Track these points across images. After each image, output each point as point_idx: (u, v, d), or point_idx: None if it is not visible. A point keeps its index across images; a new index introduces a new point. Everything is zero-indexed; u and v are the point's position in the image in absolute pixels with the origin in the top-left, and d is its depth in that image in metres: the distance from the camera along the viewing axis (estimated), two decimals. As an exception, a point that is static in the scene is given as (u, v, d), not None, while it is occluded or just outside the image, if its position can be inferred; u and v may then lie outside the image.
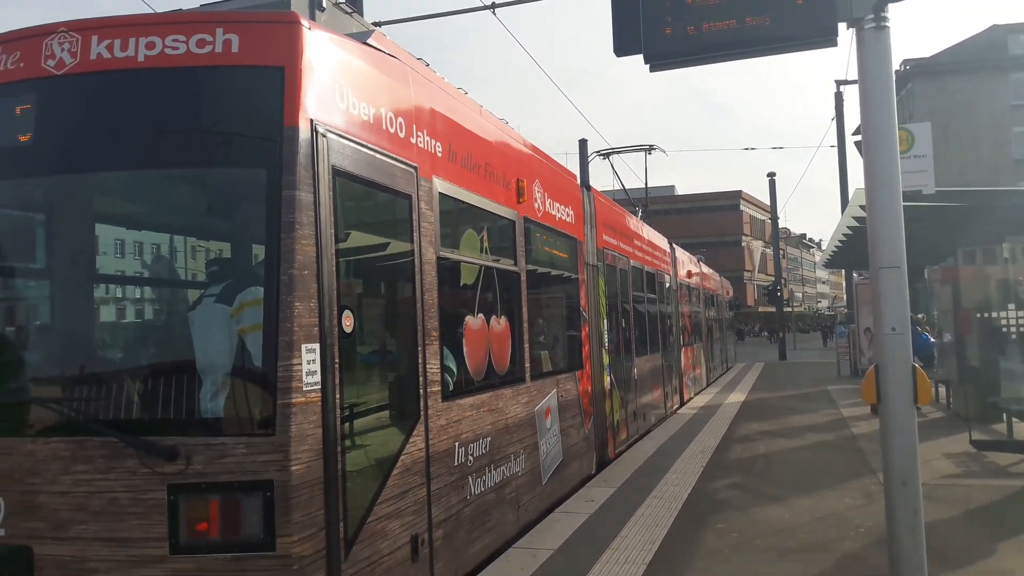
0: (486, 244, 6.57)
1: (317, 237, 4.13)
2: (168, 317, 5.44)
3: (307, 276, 4.04)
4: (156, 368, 4.49)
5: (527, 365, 7.11)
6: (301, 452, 3.88)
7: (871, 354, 19.79)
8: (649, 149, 17.90)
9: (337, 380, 4.16)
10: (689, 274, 19.31)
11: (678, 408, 16.20)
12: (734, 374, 26.71)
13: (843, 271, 32.07)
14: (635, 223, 13.38)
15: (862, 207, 13.09)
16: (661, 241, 15.68)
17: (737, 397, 18.39)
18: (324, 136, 4.25)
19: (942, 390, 14.94)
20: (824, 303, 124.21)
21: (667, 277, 15.91)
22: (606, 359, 10.08)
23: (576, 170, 17.44)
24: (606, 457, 9.92)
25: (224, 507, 3.83)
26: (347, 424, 4.29)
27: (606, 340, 10.15)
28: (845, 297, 33.22)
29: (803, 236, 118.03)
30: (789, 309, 61.46)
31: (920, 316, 15.33)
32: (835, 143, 27.43)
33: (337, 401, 4.15)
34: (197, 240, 5.35)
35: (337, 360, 4.18)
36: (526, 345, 7.09)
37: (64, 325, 5.05)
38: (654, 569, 5.69)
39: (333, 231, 4.28)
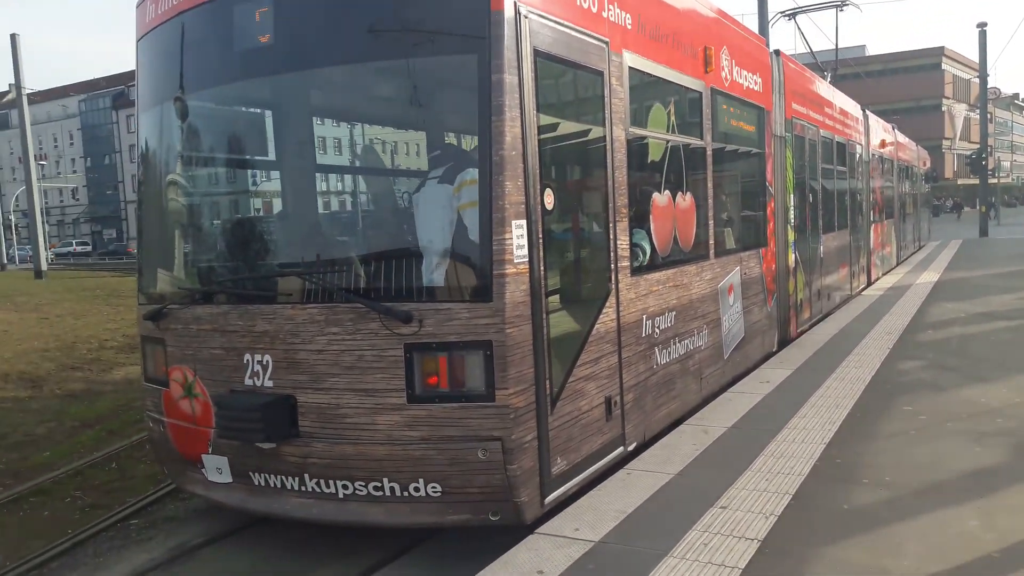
0: (673, 119, 6.49)
1: (522, 118, 4.39)
2: (399, 200, 5.92)
3: (515, 156, 4.35)
4: (391, 244, 5.07)
5: (711, 242, 7.19)
6: (514, 317, 4.36)
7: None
8: (841, 5, 16.16)
9: (541, 254, 4.55)
10: (882, 144, 17.76)
11: (865, 288, 15.40)
12: (927, 252, 24.81)
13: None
14: (826, 89, 12.44)
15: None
16: (853, 108, 14.47)
17: (930, 276, 17.12)
18: (526, 17, 4.43)
19: None
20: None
21: (858, 148, 14.81)
22: (791, 236, 9.83)
23: (754, 28, 16.24)
24: (788, 336, 9.81)
25: (451, 363, 4.39)
26: (550, 294, 4.70)
27: (792, 216, 9.86)
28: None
29: (1015, 96, 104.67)
30: (995, 180, 55.49)
31: None
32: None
33: (542, 273, 4.56)
34: (416, 127, 5.70)
35: (540, 236, 4.55)
36: (710, 222, 7.16)
37: (317, 210, 5.94)
38: (833, 449, 5.55)
39: (535, 112, 4.50)
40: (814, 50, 16.24)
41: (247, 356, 4.78)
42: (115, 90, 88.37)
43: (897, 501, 4.61)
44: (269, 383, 4.72)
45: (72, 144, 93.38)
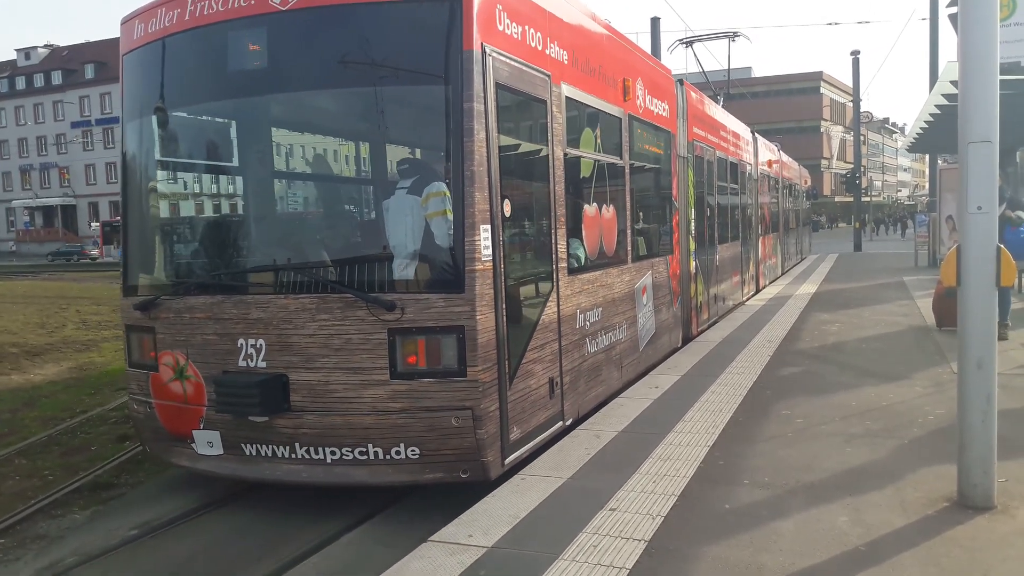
0: (598, 141, 7.44)
1: (487, 139, 5.19)
2: (380, 205, 6.46)
3: (482, 171, 5.15)
4: (376, 243, 5.82)
5: (629, 248, 8.15)
6: (482, 306, 5.13)
7: (952, 243, 18.99)
8: (733, 36, 17.36)
9: (501, 254, 5.35)
10: (769, 163, 19.14)
11: (754, 294, 16.57)
12: (807, 264, 26.18)
13: (927, 156, 30.60)
14: (721, 114, 13.57)
15: (953, 83, 12.34)
16: (744, 131, 15.68)
17: (809, 288, 18.10)
18: (490, 56, 5.24)
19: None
20: (904, 192, 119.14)
21: (748, 167, 16.04)
22: (692, 245, 10.90)
23: (647, 49, 16.87)
24: (690, 334, 10.84)
25: (429, 345, 5.13)
26: (507, 288, 5.47)
27: (693, 228, 10.91)
28: (927, 184, 31.78)
29: (886, 120, 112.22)
30: (868, 198, 59.18)
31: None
32: (927, 15, 25.53)
33: (502, 270, 5.36)
34: (394, 144, 6.51)
35: (501, 238, 5.35)
36: (628, 231, 8.12)
37: (313, 213, 6.93)
38: (716, 451, 5.78)
39: (496, 134, 5.31)
40: (702, 71, 17.00)
41: (241, 340, 5.38)
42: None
43: (774, 500, 4.84)
44: (262, 364, 5.33)
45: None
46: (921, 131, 18.95)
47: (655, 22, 25.66)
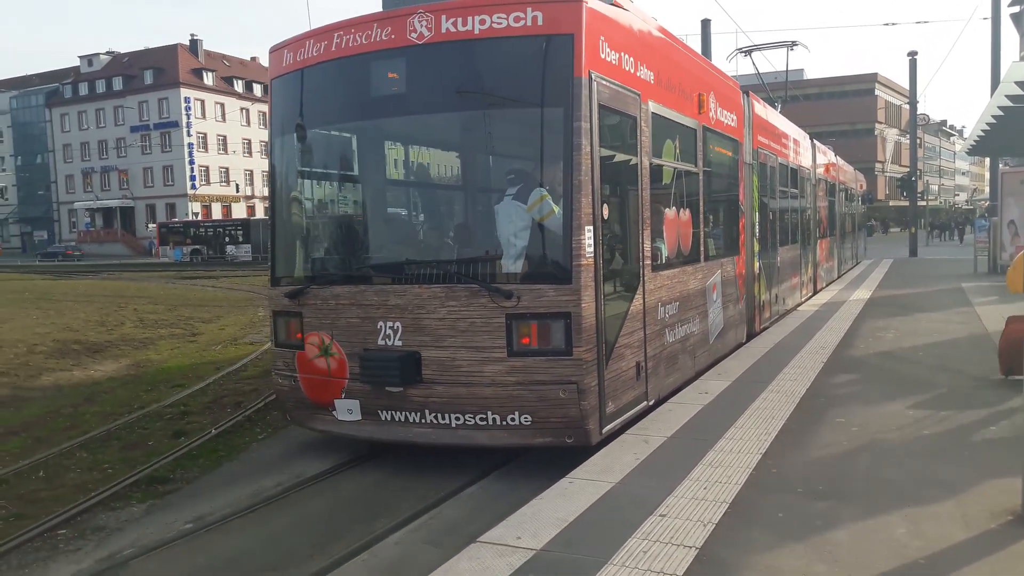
0: (677, 151, 8.12)
1: (591, 153, 5.99)
2: (496, 210, 6.94)
3: (587, 180, 5.96)
4: (495, 242, 6.49)
5: (702, 249, 8.83)
6: (586, 296, 5.95)
7: (1013, 249, 18.32)
8: (792, 45, 17.36)
9: (600, 252, 6.12)
10: (826, 168, 19.19)
11: (812, 295, 16.69)
12: (861, 269, 25.61)
13: (987, 160, 29.70)
14: (782, 121, 13.84)
15: (1018, 84, 11.92)
16: (803, 137, 15.89)
17: (864, 293, 17.71)
18: (594, 81, 6.07)
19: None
20: (962, 196, 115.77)
21: (807, 172, 16.25)
22: (756, 247, 11.43)
23: (697, 49, 16.85)
24: (754, 330, 11.44)
25: (540, 328, 5.95)
26: (604, 282, 6.23)
27: (757, 231, 11.41)
28: (987, 188, 30.79)
29: (943, 123, 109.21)
30: (923, 203, 57.66)
31: None
32: (988, 14, 24.76)
33: (600, 265, 6.14)
34: (511, 157, 7.20)
35: (600, 238, 6.12)
36: (702, 232, 8.77)
37: (440, 216, 8.03)
38: (769, 459, 5.68)
39: (598, 147, 6.09)
40: (750, 73, 16.86)
41: (380, 323, 6.29)
42: (48, 88, 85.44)
43: (829, 509, 4.74)
44: (399, 343, 6.23)
45: (2, 142, 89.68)
46: (983, 133, 18.38)
47: (706, 24, 25.45)
